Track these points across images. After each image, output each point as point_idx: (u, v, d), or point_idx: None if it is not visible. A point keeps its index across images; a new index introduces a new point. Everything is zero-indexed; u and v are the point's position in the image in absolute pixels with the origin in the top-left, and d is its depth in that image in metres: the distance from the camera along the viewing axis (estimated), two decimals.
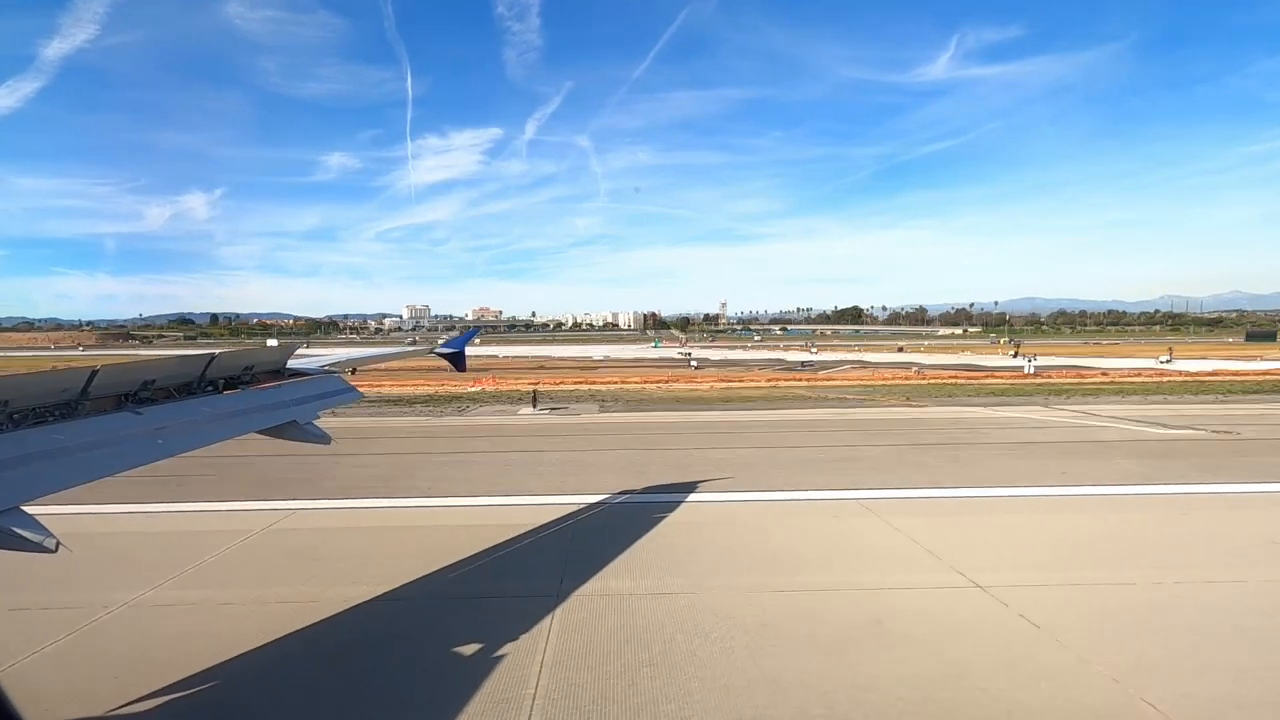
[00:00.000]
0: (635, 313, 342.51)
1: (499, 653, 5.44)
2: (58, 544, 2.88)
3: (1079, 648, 5.53)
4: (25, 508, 2.86)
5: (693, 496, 11.12)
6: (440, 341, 9.58)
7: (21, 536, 2.79)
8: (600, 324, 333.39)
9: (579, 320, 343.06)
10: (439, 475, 13.39)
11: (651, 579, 7.18)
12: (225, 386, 4.74)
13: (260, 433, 4.66)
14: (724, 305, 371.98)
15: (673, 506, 10.39)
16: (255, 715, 4.74)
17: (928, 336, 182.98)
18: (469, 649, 5.55)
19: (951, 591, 6.81)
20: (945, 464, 13.95)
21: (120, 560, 8.15)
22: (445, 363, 9.15)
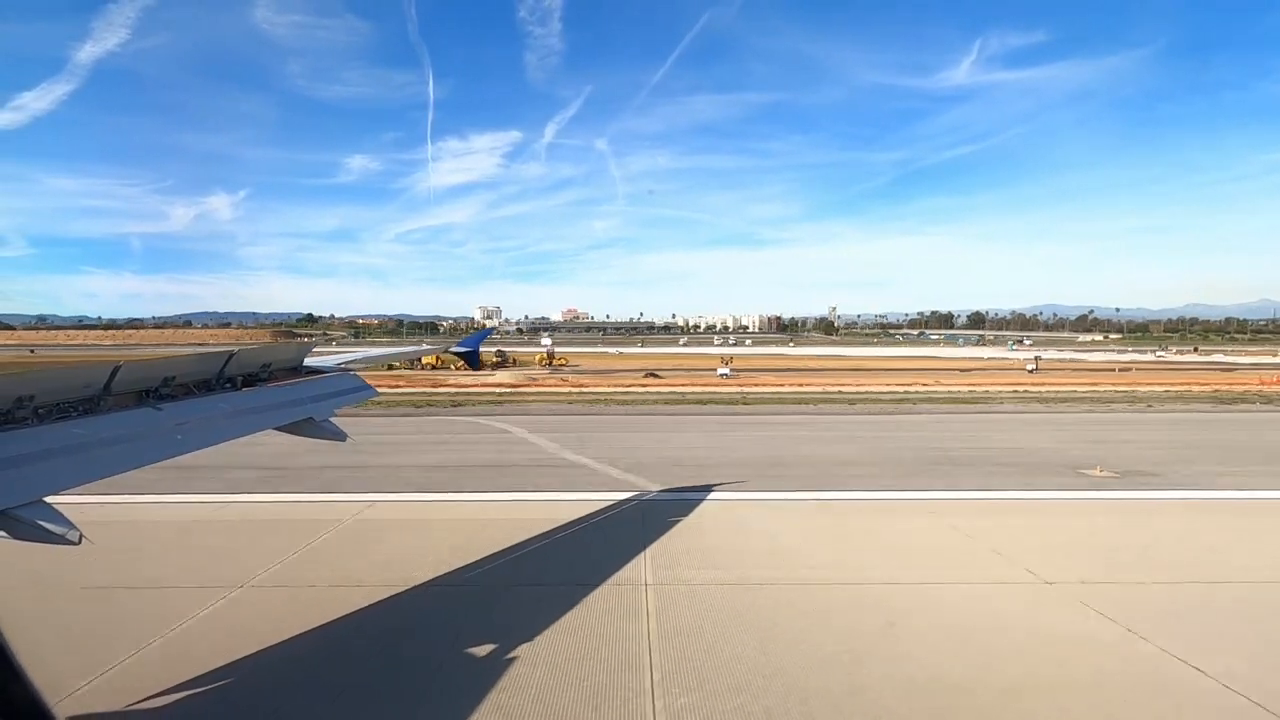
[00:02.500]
0: (760, 315, 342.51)
1: (511, 654, 5.45)
2: (80, 536, 2.94)
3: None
4: (48, 500, 2.92)
5: None
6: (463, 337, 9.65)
7: (45, 529, 2.85)
8: (726, 326, 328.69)
9: (699, 322, 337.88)
10: None
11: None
12: (244, 383, 4.82)
13: (277, 429, 4.73)
14: (833, 310, 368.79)
15: None
16: (272, 713, 4.80)
17: (1105, 345, 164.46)
18: (483, 648, 5.57)
19: None
20: None
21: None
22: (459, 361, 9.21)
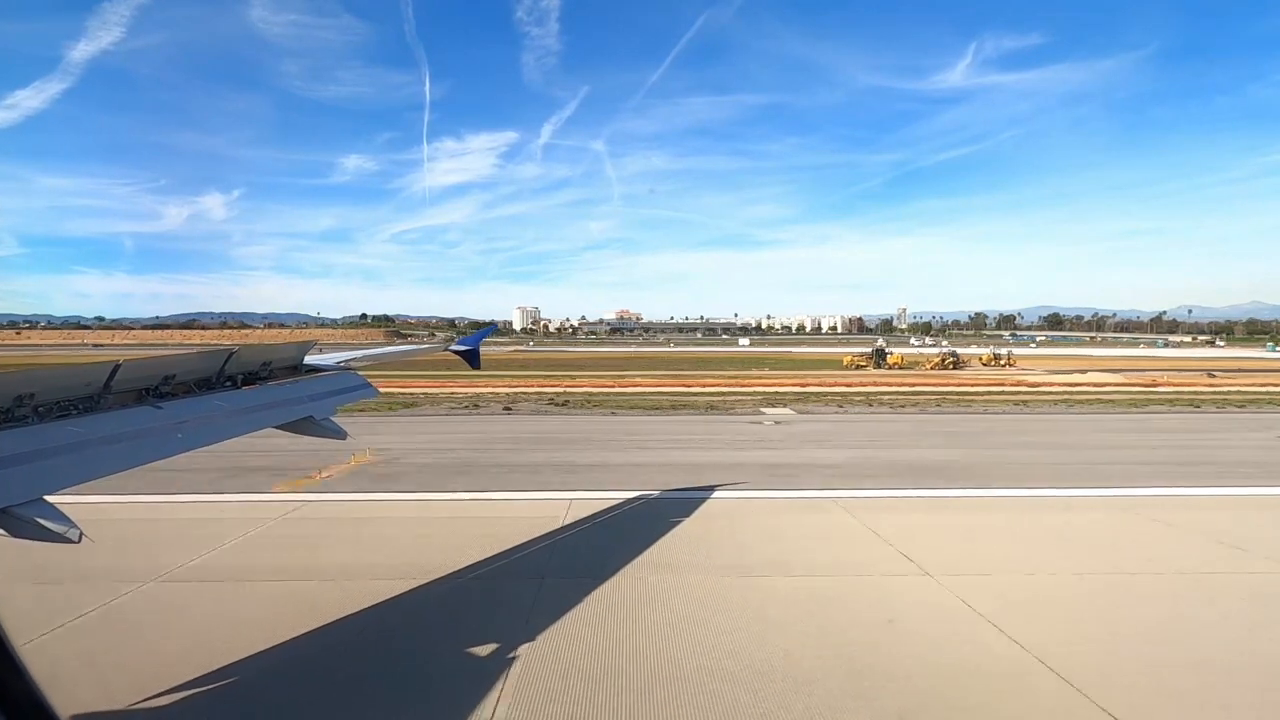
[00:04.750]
0: (842, 316, 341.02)
1: (512, 654, 5.43)
2: (80, 535, 2.92)
3: None
4: (48, 498, 2.90)
5: None
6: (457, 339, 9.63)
7: (45, 527, 2.83)
8: (804, 327, 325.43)
9: (772, 323, 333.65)
10: None
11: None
12: (244, 382, 4.80)
13: (278, 428, 4.71)
14: (903, 311, 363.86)
15: None
16: (275, 710, 4.79)
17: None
18: (484, 648, 5.56)
19: None
20: None
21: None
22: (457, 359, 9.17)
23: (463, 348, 8.99)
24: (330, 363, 6.12)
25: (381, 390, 6.26)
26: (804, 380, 43.12)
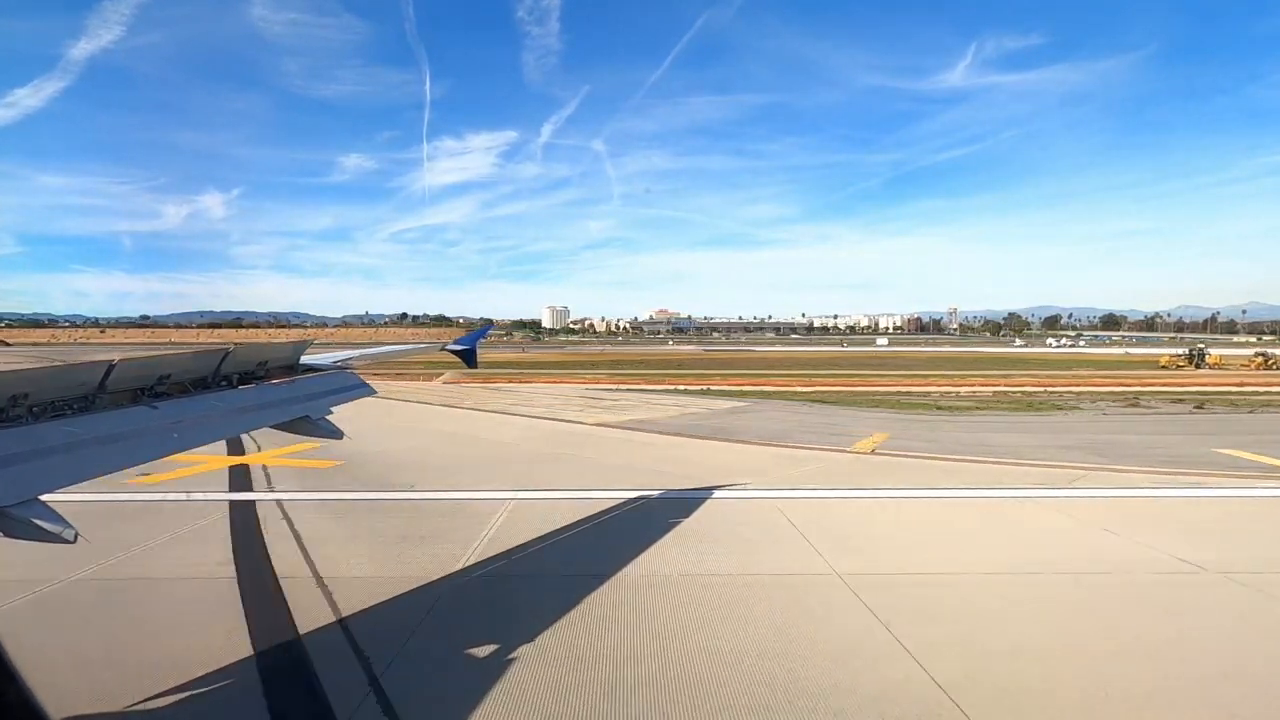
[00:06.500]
0: (904, 315, 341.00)
1: (512, 655, 5.44)
2: (76, 535, 2.93)
3: None
4: (43, 499, 2.91)
5: None
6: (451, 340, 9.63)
7: (40, 528, 2.84)
8: (863, 325, 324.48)
9: (841, 324, 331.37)
10: None
11: None
12: (240, 381, 4.81)
13: (273, 427, 4.71)
14: (954, 311, 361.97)
15: None
16: (272, 713, 4.79)
17: None
18: (483, 650, 5.56)
19: None
20: None
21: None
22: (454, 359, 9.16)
23: (459, 347, 8.98)
24: (327, 362, 6.13)
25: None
26: (1199, 380, 46.46)
